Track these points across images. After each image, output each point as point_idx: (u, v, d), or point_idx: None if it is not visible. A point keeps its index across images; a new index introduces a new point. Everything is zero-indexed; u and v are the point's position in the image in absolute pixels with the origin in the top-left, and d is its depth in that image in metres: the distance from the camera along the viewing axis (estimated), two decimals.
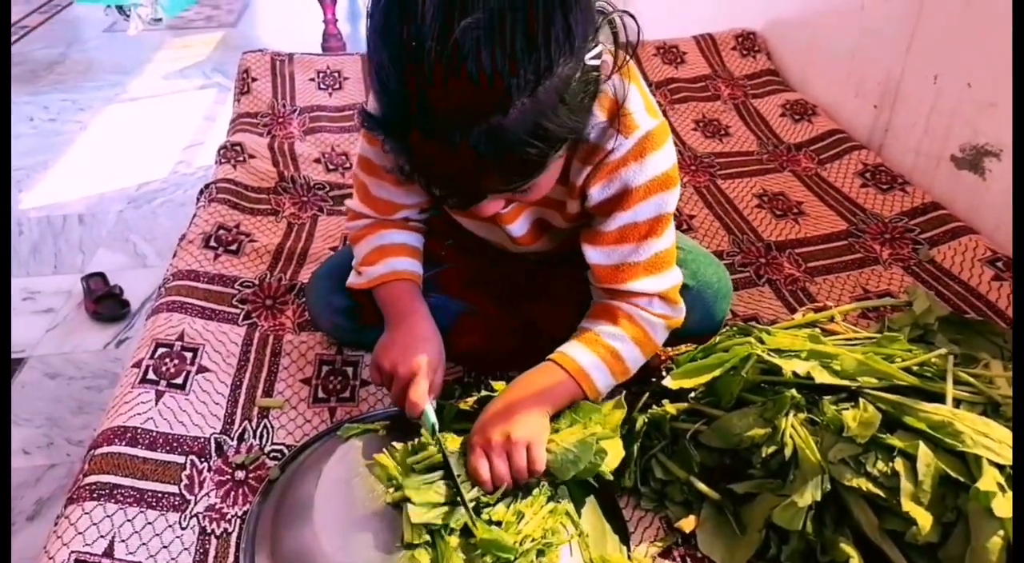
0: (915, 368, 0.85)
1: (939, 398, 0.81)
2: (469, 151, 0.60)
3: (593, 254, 0.86)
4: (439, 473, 0.76)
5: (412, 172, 0.67)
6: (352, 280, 0.96)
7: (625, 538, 0.80)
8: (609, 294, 0.88)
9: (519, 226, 0.92)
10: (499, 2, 0.56)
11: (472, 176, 0.64)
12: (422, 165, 0.65)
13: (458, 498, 0.73)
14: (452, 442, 0.79)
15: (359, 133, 1.66)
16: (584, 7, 0.60)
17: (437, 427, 0.81)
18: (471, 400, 0.87)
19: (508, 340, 1.00)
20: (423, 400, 0.81)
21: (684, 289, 0.90)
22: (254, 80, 1.79)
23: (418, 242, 0.98)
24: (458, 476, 0.75)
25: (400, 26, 0.58)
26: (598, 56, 0.64)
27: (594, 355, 0.84)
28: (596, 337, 0.85)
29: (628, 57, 0.70)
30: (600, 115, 0.77)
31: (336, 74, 1.86)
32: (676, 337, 0.99)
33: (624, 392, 0.85)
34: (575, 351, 0.84)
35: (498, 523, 0.73)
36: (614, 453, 0.79)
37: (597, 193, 0.82)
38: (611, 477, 0.80)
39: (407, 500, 0.73)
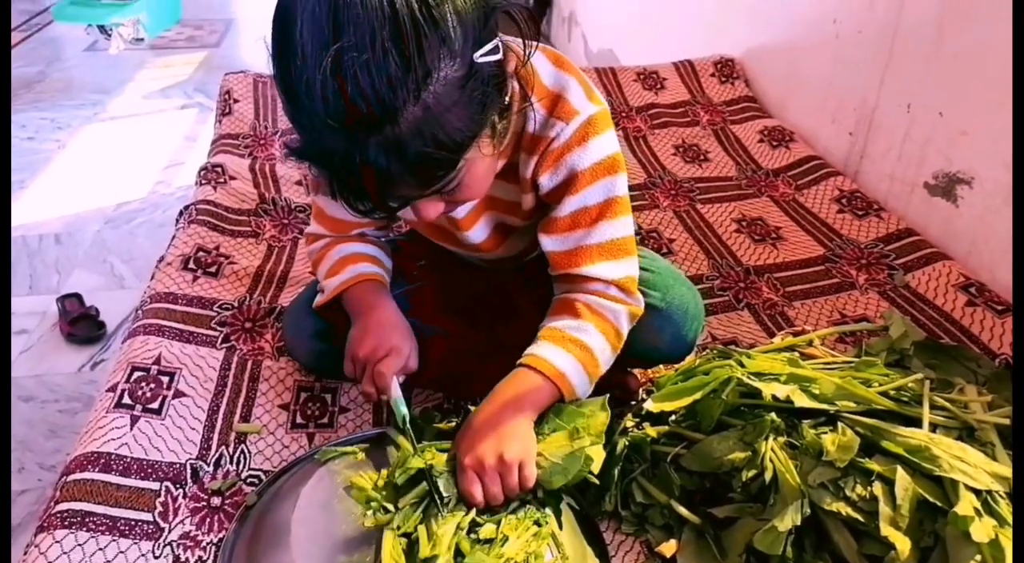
0: (892, 393, 0.86)
1: (916, 422, 0.82)
2: (372, 167, 0.61)
3: (548, 242, 0.87)
4: (421, 486, 0.76)
5: (335, 192, 0.67)
6: (318, 300, 0.96)
7: (606, 562, 0.79)
8: (566, 281, 0.88)
9: (477, 232, 0.93)
10: (368, 20, 0.57)
11: (385, 188, 0.65)
12: (340, 185, 0.66)
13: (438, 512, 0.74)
14: (436, 458, 0.79)
15: None
16: (460, 8, 0.61)
17: (408, 417, 0.81)
18: (451, 425, 0.87)
19: (480, 362, 1.00)
20: (390, 372, 0.83)
21: (653, 310, 0.90)
22: (236, 101, 1.79)
23: (377, 252, 0.98)
24: (445, 497, 0.75)
25: (285, 61, 0.61)
26: (495, 50, 0.65)
27: (564, 352, 0.83)
28: (561, 334, 0.84)
29: (533, 46, 0.71)
30: (540, 107, 0.80)
31: None
32: (649, 360, 1.00)
33: (608, 395, 0.84)
34: (545, 351, 0.83)
35: (487, 541, 0.73)
36: (598, 458, 0.79)
37: (547, 181, 0.84)
38: (596, 481, 0.80)
39: (384, 525, 0.72)
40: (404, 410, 0.83)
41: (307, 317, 0.98)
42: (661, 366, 1.08)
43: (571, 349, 0.83)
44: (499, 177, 0.84)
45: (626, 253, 0.86)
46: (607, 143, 0.83)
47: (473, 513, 0.75)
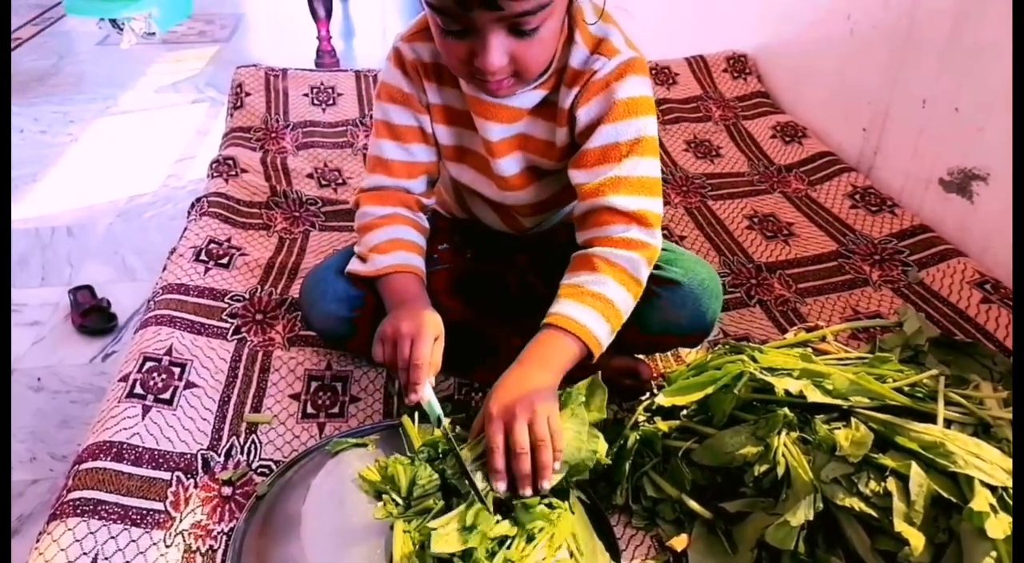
0: (906, 388, 0.85)
1: (930, 419, 0.81)
2: None
3: (578, 175, 0.90)
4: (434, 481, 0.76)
5: None
6: (357, 266, 0.95)
7: (616, 556, 0.79)
8: (589, 219, 0.89)
9: (509, 163, 0.95)
10: None
11: None
12: None
13: (474, 497, 0.73)
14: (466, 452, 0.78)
15: (351, 149, 1.67)
16: None
17: (442, 418, 0.81)
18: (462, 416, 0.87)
19: (491, 350, 1.00)
20: (425, 360, 0.81)
21: (675, 285, 0.91)
22: (247, 95, 1.79)
23: (424, 244, 0.99)
24: (481, 487, 0.74)
25: None
26: None
27: (584, 307, 0.84)
28: (581, 289, 0.85)
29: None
30: (584, 46, 0.87)
31: (330, 90, 1.87)
32: (667, 337, 0.99)
33: (599, 372, 0.84)
34: (567, 309, 0.84)
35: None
36: (601, 449, 0.80)
37: (584, 113, 0.88)
38: (608, 461, 0.80)
39: (396, 517, 0.72)
40: (439, 411, 0.82)
41: (336, 280, 0.97)
42: (672, 360, 1.08)
43: (591, 303, 0.84)
44: (535, 113, 0.91)
45: (650, 191, 0.88)
46: (644, 85, 0.88)
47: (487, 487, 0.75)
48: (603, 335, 0.84)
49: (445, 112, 0.96)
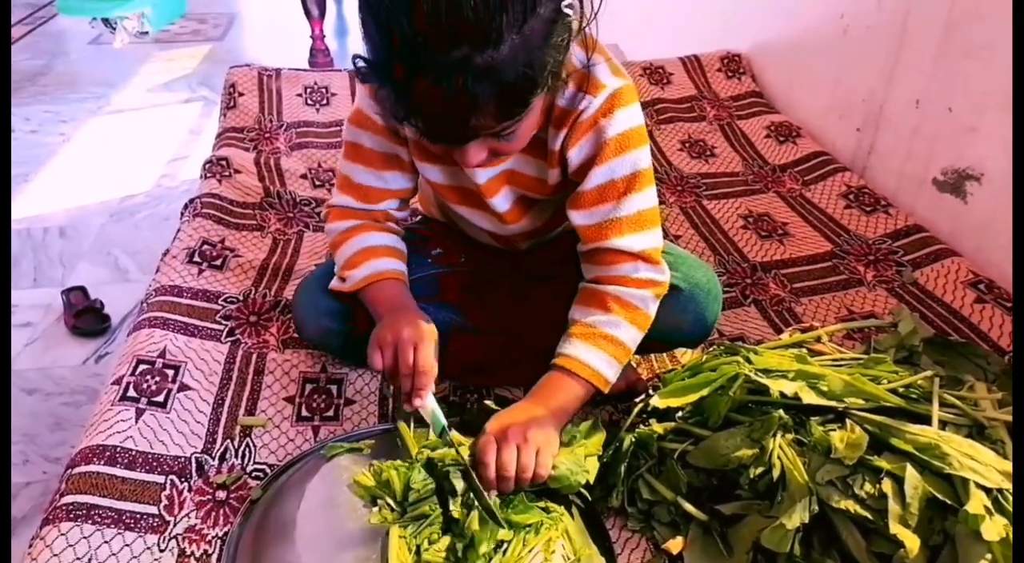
0: (901, 390, 0.85)
1: (925, 420, 0.81)
2: (464, 89, 0.64)
3: (577, 217, 0.89)
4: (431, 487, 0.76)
5: (406, 116, 0.70)
6: (335, 284, 0.95)
7: (612, 560, 0.79)
8: (595, 257, 0.89)
9: (501, 200, 0.94)
10: None
11: (466, 113, 0.68)
12: (417, 106, 0.68)
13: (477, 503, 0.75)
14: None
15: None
16: None
17: (445, 427, 0.81)
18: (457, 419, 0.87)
19: (495, 355, 1.00)
20: (431, 366, 0.81)
21: (676, 291, 0.92)
22: (241, 95, 1.78)
23: (400, 245, 0.98)
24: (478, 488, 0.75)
25: None
26: (570, 6, 0.70)
27: (599, 351, 0.85)
28: (593, 331, 0.86)
29: (592, 15, 0.75)
30: (570, 84, 0.83)
31: (324, 90, 1.86)
32: (669, 343, 1.00)
33: (600, 412, 0.86)
34: (581, 353, 0.85)
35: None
36: (593, 469, 0.82)
37: (575, 155, 0.86)
38: (589, 493, 0.82)
39: (391, 523, 0.72)
40: (443, 421, 0.82)
41: (321, 296, 0.97)
42: (667, 360, 1.08)
43: (604, 346, 0.86)
44: (525, 152, 0.88)
45: (652, 224, 0.88)
46: (633, 115, 0.86)
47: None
48: (612, 376, 0.86)
49: (426, 151, 0.91)
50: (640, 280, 0.87)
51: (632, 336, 0.87)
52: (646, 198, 0.87)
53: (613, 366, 0.86)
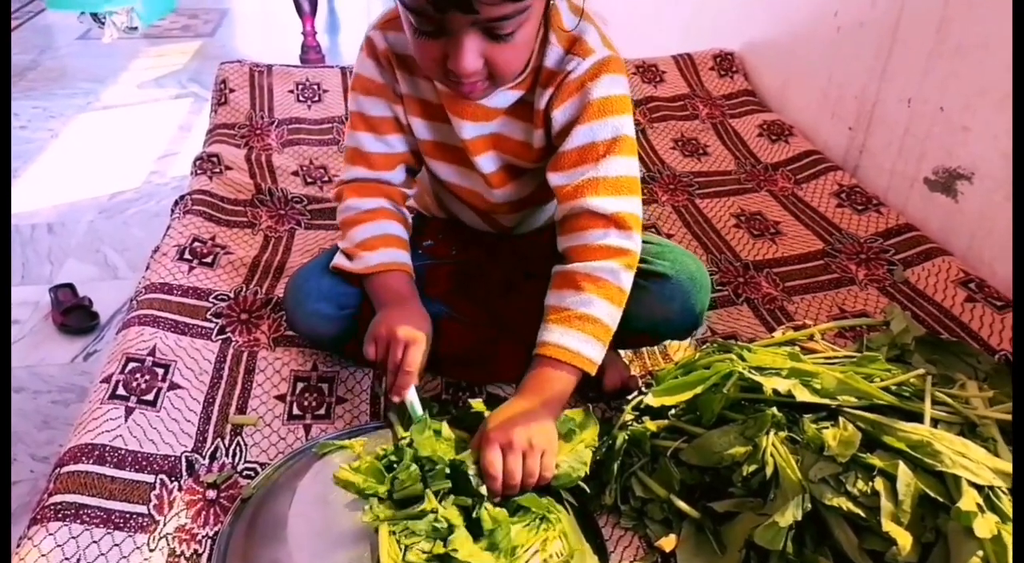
0: (893, 388, 0.85)
1: (917, 418, 0.81)
2: None
3: (555, 177, 0.89)
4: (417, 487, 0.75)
5: None
6: (344, 262, 0.94)
7: (604, 557, 0.79)
8: (567, 224, 0.89)
9: (487, 161, 0.95)
10: None
11: None
12: None
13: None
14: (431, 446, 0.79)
15: (337, 146, 1.65)
16: None
17: (424, 419, 0.82)
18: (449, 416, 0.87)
19: (485, 347, 1.00)
20: (416, 367, 0.83)
21: (663, 279, 0.91)
22: (231, 91, 1.77)
23: (407, 237, 0.99)
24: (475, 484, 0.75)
25: None
26: None
27: (575, 332, 0.85)
28: (568, 313, 0.85)
29: None
30: (559, 45, 0.86)
31: (315, 86, 1.85)
32: (657, 334, 0.99)
33: (589, 405, 0.86)
34: (558, 338, 0.84)
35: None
36: (588, 459, 0.82)
37: (560, 115, 0.88)
38: (586, 488, 0.82)
39: (382, 520, 0.72)
40: (420, 411, 0.83)
41: (321, 278, 0.97)
42: (660, 358, 1.08)
43: (580, 326, 0.85)
44: (510, 113, 0.90)
45: (630, 191, 0.88)
46: (619, 83, 0.87)
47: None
48: (596, 355, 0.85)
49: (419, 104, 0.95)
50: (608, 247, 0.86)
51: (608, 312, 0.86)
52: (626, 164, 0.88)
53: (593, 345, 0.85)
